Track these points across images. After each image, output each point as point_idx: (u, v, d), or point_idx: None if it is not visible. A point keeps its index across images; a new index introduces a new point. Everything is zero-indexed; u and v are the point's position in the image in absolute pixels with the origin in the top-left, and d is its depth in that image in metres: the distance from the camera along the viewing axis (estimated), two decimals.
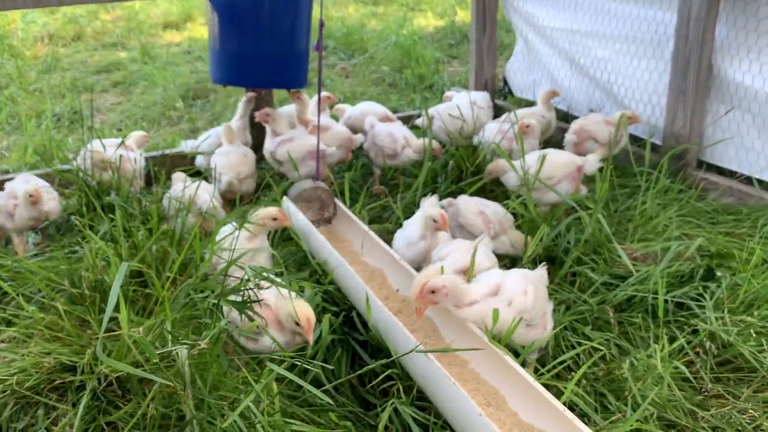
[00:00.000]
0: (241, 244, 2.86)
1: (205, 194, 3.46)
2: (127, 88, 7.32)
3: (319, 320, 2.76)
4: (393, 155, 4.21)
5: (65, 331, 2.49)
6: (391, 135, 4.23)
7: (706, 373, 2.65)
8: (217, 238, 2.83)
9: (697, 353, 2.73)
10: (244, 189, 4.11)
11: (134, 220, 3.41)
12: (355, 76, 7.66)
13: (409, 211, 3.83)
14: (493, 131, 4.27)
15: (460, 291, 2.54)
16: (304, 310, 2.43)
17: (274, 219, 3.05)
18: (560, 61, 5.50)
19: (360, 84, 7.31)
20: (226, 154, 4.11)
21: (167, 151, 4.68)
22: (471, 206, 3.39)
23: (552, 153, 3.73)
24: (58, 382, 2.29)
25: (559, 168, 3.67)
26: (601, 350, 2.59)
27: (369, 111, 4.83)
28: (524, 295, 2.52)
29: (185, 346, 2.09)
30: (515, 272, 2.68)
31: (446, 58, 8.17)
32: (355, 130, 4.55)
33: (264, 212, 3.05)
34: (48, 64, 7.82)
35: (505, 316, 2.48)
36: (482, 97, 5.02)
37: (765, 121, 3.88)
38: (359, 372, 2.52)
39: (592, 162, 3.71)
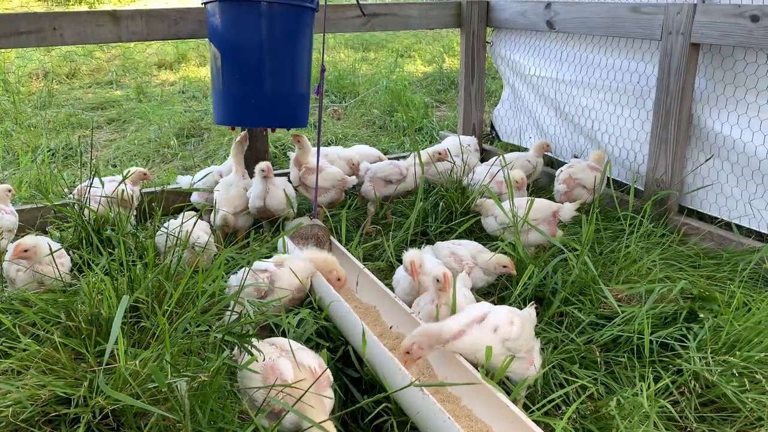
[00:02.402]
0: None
1: (200, 231, 3.52)
2: (121, 126, 7.41)
3: None
4: (400, 178, 4.38)
5: (61, 363, 2.51)
6: (392, 163, 4.47)
7: (690, 413, 2.72)
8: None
9: (682, 393, 2.79)
10: (240, 224, 4.19)
11: (131, 254, 3.45)
12: (346, 119, 7.82)
13: (400, 249, 3.91)
14: (482, 174, 4.40)
15: (433, 334, 2.62)
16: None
17: (339, 279, 3.24)
18: (546, 109, 5.68)
19: (351, 126, 7.47)
20: (227, 188, 4.20)
21: (165, 187, 4.74)
22: (444, 250, 3.52)
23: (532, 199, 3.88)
24: (53, 414, 2.31)
25: (537, 212, 3.82)
26: (589, 388, 2.65)
27: (363, 153, 4.96)
28: (510, 324, 2.60)
29: (185, 378, 2.12)
30: (503, 307, 2.77)
31: (435, 103, 8.38)
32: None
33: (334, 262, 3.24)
34: (43, 100, 7.91)
35: (490, 341, 2.57)
36: (470, 141, 5.17)
37: (743, 169, 4.04)
38: (352, 408, 2.56)
39: (567, 209, 3.88)
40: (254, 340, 2.53)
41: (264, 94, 3.76)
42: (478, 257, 3.46)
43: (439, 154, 4.50)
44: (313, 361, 2.40)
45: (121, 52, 10.35)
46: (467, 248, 3.52)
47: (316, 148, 4.10)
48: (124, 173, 4.20)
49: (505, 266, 3.39)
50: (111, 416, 2.29)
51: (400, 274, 3.34)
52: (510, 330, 2.59)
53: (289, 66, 3.80)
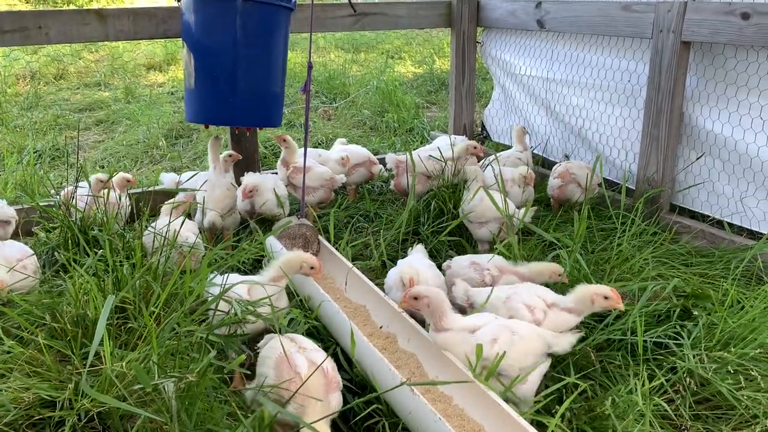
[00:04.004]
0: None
1: (186, 231, 3.46)
2: (109, 127, 7.34)
3: None
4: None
5: (45, 366, 2.46)
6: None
7: (685, 411, 2.69)
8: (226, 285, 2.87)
9: (676, 391, 2.77)
10: (228, 224, 4.14)
11: (117, 255, 3.40)
12: (336, 119, 7.78)
13: (391, 248, 3.88)
14: (477, 171, 4.36)
15: (441, 308, 2.62)
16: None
17: (312, 267, 3.00)
18: (536, 108, 5.67)
19: (342, 126, 7.43)
20: (211, 190, 4.13)
21: (154, 188, 4.69)
22: (462, 262, 3.39)
23: (495, 195, 3.84)
24: (37, 417, 2.26)
25: (490, 210, 3.79)
26: (582, 386, 2.61)
27: (354, 153, 4.93)
28: (492, 343, 2.52)
29: (172, 379, 2.07)
30: (518, 324, 2.64)
31: (425, 104, 8.36)
32: None
33: (304, 256, 3.02)
34: (30, 102, 7.83)
35: (467, 350, 2.54)
36: (461, 141, 5.14)
37: (734, 167, 4.03)
38: (344, 408, 2.52)
39: (529, 214, 3.84)
40: (272, 335, 2.55)
41: (237, 93, 3.70)
42: (513, 267, 3.32)
43: (475, 147, 4.58)
44: (327, 363, 2.37)
45: (110, 53, 10.27)
46: (488, 258, 3.37)
47: (304, 150, 4.05)
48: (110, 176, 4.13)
49: (560, 274, 3.20)
50: (97, 419, 2.24)
51: (392, 281, 3.23)
52: (489, 349, 2.51)
53: (263, 65, 3.74)
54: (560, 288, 3.23)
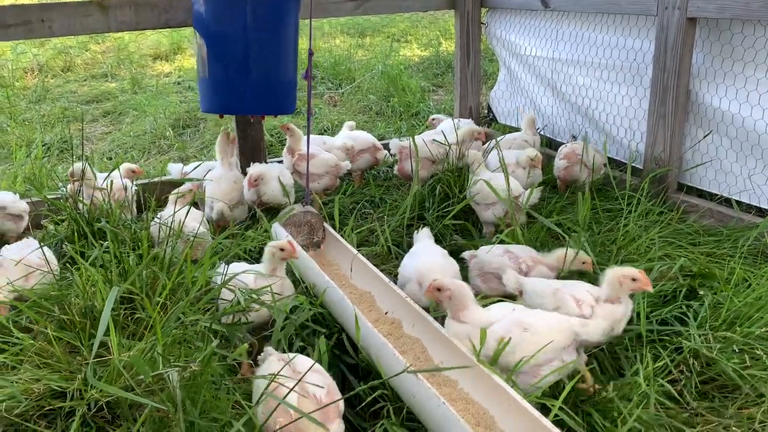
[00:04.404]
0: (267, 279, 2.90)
1: (193, 222, 3.48)
2: (117, 118, 7.37)
3: (311, 343, 2.79)
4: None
5: (55, 357, 2.50)
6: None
7: (690, 391, 2.69)
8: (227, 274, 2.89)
9: (681, 372, 2.77)
10: (235, 215, 4.16)
11: (125, 246, 3.43)
12: (342, 105, 7.76)
13: (396, 234, 3.88)
14: (478, 155, 4.34)
15: (463, 299, 2.63)
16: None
17: (282, 249, 2.95)
18: (542, 89, 5.62)
19: (347, 112, 7.41)
20: (218, 181, 4.15)
21: (157, 179, 4.71)
22: (495, 251, 3.30)
23: (499, 176, 3.83)
24: (47, 408, 2.30)
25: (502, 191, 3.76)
26: (587, 367, 2.62)
27: (359, 139, 4.93)
28: (498, 341, 2.50)
29: (176, 368, 2.10)
30: (536, 318, 2.60)
31: (431, 87, 8.32)
32: None
33: (273, 243, 2.99)
34: (38, 95, 7.87)
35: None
36: (465, 125, 5.12)
37: (742, 144, 3.99)
38: (349, 395, 2.54)
39: (534, 195, 3.80)
40: (271, 350, 2.43)
41: (250, 81, 3.72)
42: (543, 258, 3.27)
43: (479, 133, 4.62)
44: (320, 390, 2.17)
45: (116, 44, 10.28)
46: (521, 249, 3.32)
47: (307, 137, 4.05)
48: (117, 168, 4.15)
49: (583, 262, 3.19)
50: (106, 408, 2.28)
51: (409, 274, 3.14)
52: (492, 346, 2.51)
53: (274, 53, 3.75)
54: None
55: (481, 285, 3.27)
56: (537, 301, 2.83)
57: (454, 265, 3.21)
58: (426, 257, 3.22)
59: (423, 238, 3.45)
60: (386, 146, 5.25)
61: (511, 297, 3.04)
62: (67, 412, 2.30)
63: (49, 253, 3.27)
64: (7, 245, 3.47)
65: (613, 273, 2.75)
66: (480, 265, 3.29)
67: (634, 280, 2.70)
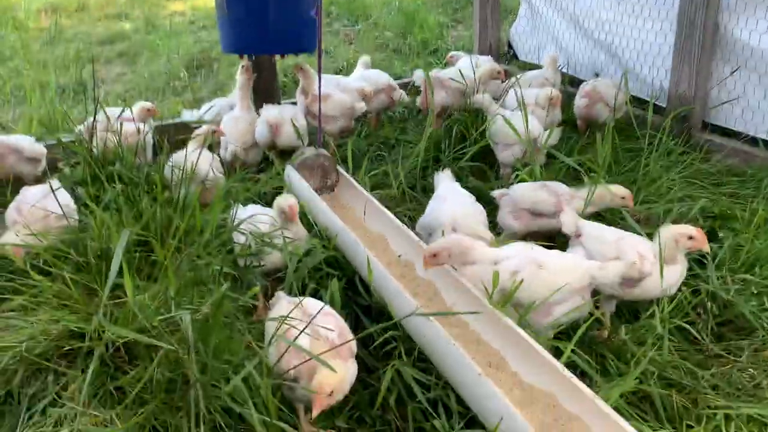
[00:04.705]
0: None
1: (205, 165, 3.46)
2: (131, 59, 7.31)
3: (325, 286, 2.79)
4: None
5: (73, 299, 2.54)
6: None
7: (707, 333, 2.67)
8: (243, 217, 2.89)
9: (698, 314, 2.74)
10: (250, 158, 4.13)
11: (139, 189, 3.43)
12: (358, 42, 7.59)
13: (411, 177, 3.84)
14: (488, 98, 4.22)
15: (463, 247, 2.59)
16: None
17: (283, 212, 2.91)
18: (564, 24, 5.43)
19: (364, 50, 7.25)
20: (234, 122, 4.11)
21: (171, 121, 4.69)
22: (531, 186, 3.23)
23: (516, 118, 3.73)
24: (66, 348, 2.35)
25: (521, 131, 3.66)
26: (596, 313, 2.59)
27: (374, 79, 4.81)
28: (511, 274, 2.49)
29: (188, 311, 2.12)
30: (552, 257, 2.57)
31: (451, 23, 8.08)
32: None
33: (280, 202, 2.93)
34: (52, 36, 7.80)
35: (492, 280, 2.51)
36: (487, 61, 4.98)
37: None
38: (362, 335, 2.56)
39: (554, 135, 3.70)
40: (281, 294, 2.45)
41: (269, 19, 3.63)
42: (578, 192, 3.17)
43: (498, 72, 4.55)
44: (331, 333, 2.18)
45: None
46: (555, 184, 3.23)
47: (318, 77, 3.96)
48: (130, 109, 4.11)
49: (623, 197, 3.09)
50: (123, 349, 2.32)
51: (437, 223, 3.01)
52: (507, 279, 2.48)
53: None
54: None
55: (513, 223, 3.21)
56: (596, 247, 2.71)
57: (483, 211, 3.14)
58: (458, 203, 3.13)
59: (445, 179, 3.38)
60: (403, 86, 5.14)
61: (541, 237, 3.00)
62: (86, 352, 2.34)
63: (68, 198, 3.27)
64: (26, 187, 3.46)
65: (669, 231, 2.62)
66: (513, 201, 3.22)
67: (690, 238, 2.58)
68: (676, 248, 2.60)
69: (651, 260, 2.59)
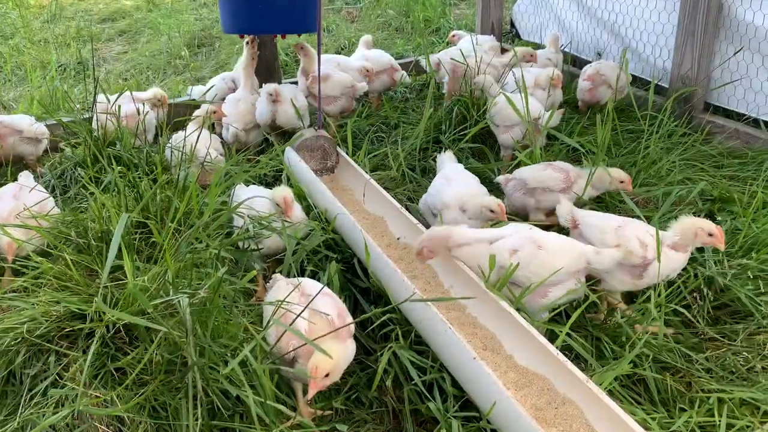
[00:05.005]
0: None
1: (204, 146, 3.46)
2: (132, 37, 7.27)
3: (323, 268, 2.81)
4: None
5: (74, 280, 2.56)
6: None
7: (702, 317, 2.68)
8: (237, 199, 2.89)
9: (695, 298, 2.75)
10: (251, 139, 4.13)
11: (139, 170, 3.44)
12: (360, 21, 7.53)
13: (411, 158, 3.84)
14: (490, 79, 4.19)
15: (441, 238, 2.60)
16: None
17: (278, 205, 2.89)
18: (567, 3, 5.37)
19: (366, 28, 7.20)
20: (236, 103, 4.11)
21: (172, 101, 4.67)
22: (536, 167, 3.22)
23: (517, 99, 3.70)
24: (67, 329, 2.37)
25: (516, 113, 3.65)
26: (592, 296, 2.60)
27: (376, 59, 4.78)
28: (510, 253, 2.50)
29: (186, 295, 2.14)
30: (549, 237, 2.57)
31: (453, 1, 8.00)
32: None
33: (275, 194, 2.92)
34: (52, 14, 7.75)
35: (483, 263, 2.53)
36: (488, 41, 4.94)
37: None
38: (360, 318, 2.58)
39: (555, 117, 3.67)
40: (278, 276, 2.47)
41: None
42: (581, 173, 3.17)
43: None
44: (332, 311, 2.23)
45: None
46: (560, 162, 3.23)
47: (317, 57, 3.94)
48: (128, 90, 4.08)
49: (622, 181, 3.09)
50: (123, 331, 2.35)
51: (448, 200, 3.03)
52: (506, 258, 2.49)
53: None
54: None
55: (530, 200, 3.19)
56: (597, 236, 2.70)
57: (486, 192, 3.13)
58: (464, 182, 3.13)
59: (448, 161, 3.38)
60: (405, 66, 5.12)
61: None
62: (87, 333, 2.37)
63: (44, 193, 3.21)
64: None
65: (691, 222, 2.61)
66: (522, 183, 3.21)
67: (710, 234, 2.57)
68: (692, 240, 2.60)
69: (653, 246, 2.58)
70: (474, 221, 2.94)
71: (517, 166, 3.43)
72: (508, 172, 3.41)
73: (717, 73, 4.12)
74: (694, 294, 2.74)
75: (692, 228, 2.59)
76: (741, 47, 3.94)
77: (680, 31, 4.13)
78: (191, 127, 3.80)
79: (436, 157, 3.80)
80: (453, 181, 3.15)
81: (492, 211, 2.90)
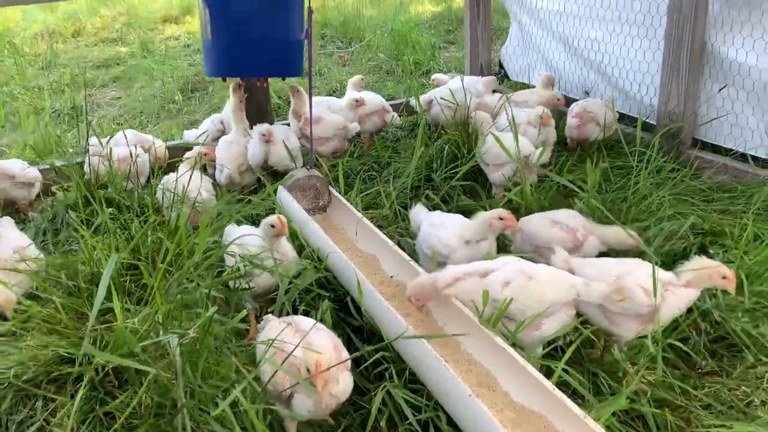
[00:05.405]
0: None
1: (195, 187, 3.46)
2: (126, 83, 7.35)
3: (316, 307, 2.79)
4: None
5: (62, 323, 2.53)
6: None
7: (700, 350, 2.66)
8: (229, 238, 2.87)
9: (692, 331, 2.73)
10: (245, 181, 4.14)
11: (130, 212, 3.44)
12: (352, 64, 7.65)
13: (403, 196, 3.85)
14: (486, 116, 4.25)
15: (427, 286, 2.59)
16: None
17: (272, 226, 2.88)
18: (554, 44, 5.48)
19: (357, 71, 7.30)
20: (228, 146, 4.13)
21: (166, 143, 4.71)
22: (542, 222, 3.12)
23: (507, 137, 3.72)
24: (55, 374, 2.33)
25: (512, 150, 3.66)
26: (585, 331, 2.57)
27: (368, 101, 4.84)
28: (502, 286, 2.48)
29: (176, 335, 2.11)
30: (539, 268, 2.57)
31: (443, 44, 8.16)
32: None
33: (265, 220, 2.91)
34: (48, 61, 7.85)
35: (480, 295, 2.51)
36: (475, 82, 5.02)
37: (759, 98, 3.86)
38: (354, 355, 2.55)
39: (545, 155, 3.70)
40: (270, 317, 2.45)
41: (254, 42, 3.63)
42: (596, 229, 3.06)
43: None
44: (327, 345, 2.20)
45: (126, 8, 10.19)
46: (568, 214, 3.12)
47: (308, 99, 3.99)
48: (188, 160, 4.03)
49: (629, 242, 2.97)
50: (113, 373, 2.31)
51: (453, 245, 2.97)
52: (498, 291, 2.47)
53: (279, 12, 3.66)
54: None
55: (539, 256, 3.04)
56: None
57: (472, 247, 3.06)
58: (451, 220, 3.08)
59: (422, 211, 3.27)
60: (396, 107, 5.18)
61: None
62: (76, 378, 2.33)
63: (24, 237, 3.19)
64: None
65: (707, 264, 2.58)
66: (528, 238, 3.11)
67: (724, 277, 2.55)
68: (706, 281, 2.57)
69: (659, 291, 2.52)
70: (483, 242, 2.93)
71: (509, 202, 3.44)
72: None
73: (703, 109, 4.19)
74: (690, 329, 2.72)
75: (708, 272, 2.56)
76: (725, 84, 4.02)
77: (665, 70, 4.21)
78: (182, 168, 3.82)
79: (427, 195, 3.83)
80: (442, 224, 3.08)
81: (501, 218, 2.88)
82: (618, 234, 3.00)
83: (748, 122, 3.97)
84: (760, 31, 3.77)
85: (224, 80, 4.11)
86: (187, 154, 3.94)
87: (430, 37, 8.01)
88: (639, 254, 2.88)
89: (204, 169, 4.37)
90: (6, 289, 2.75)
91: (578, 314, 2.61)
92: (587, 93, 5.15)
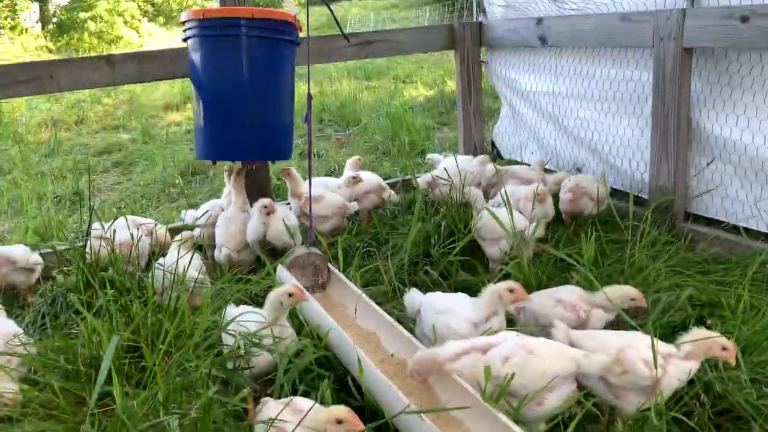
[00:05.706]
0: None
1: (192, 269, 3.48)
2: (127, 168, 7.51)
3: (315, 387, 2.76)
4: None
5: (60, 408, 2.50)
6: None
7: (705, 423, 2.63)
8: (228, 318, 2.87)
9: (695, 404, 2.71)
10: (243, 259, 4.17)
11: (129, 294, 3.45)
12: (349, 146, 7.85)
13: (402, 272, 3.88)
14: (479, 192, 4.33)
15: (426, 361, 2.59)
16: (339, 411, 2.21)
17: (290, 295, 2.87)
18: (545, 123, 5.66)
19: (354, 153, 7.46)
20: (227, 224, 4.18)
21: (167, 226, 4.76)
22: (545, 302, 3.11)
23: (502, 212, 3.81)
24: None
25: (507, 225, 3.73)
26: (587, 404, 2.55)
27: (365, 179, 4.94)
28: (503, 361, 2.47)
29: (176, 416, 2.09)
30: (538, 341, 2.56)
31: (437, 125, 8.41)
32: None
33: (279, 290, 2.89)
34: (51, 148, 8.04)
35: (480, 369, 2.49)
36: (467, 161, 5.16)
37: (746, 171, 3.97)
38: None
39: (540, 229, 3.78)
40: (267, 399, 2.42)
41: (244, 127, 3.75)
42: (593, 297, 3.08)
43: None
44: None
45: (128, 96, 10.54)
46: (570, 291, 3.15)
47: (308, 178, 4.09)
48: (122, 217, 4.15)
49: (633, 299, 3.01)
50: None
51: (463, 331, 2.90)
52: (499, 367, 2.47)
53: (269, 99, 3.80)
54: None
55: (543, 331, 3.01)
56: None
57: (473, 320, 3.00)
58: (455, 301, 3.06)
59: (417, 295, 3.20)
60: (392, 185, 5.28)
61: None
62: None
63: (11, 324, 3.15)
64: None
65: (707, 335, 2.60)
66: (534, 317, 3.11)
67: (724, 349, 2.58)
68: (706, 353, 2.59)
69: (660, 363, 2.52)
70: (494, 319, 2.91)
71: (506, 277, 3.47)
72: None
73: (694, 183, 4.29)
74: (695, 401, 2.69)
75: (708, 344, 2.58)
76: (712, 159, 4.14)
77: (654, 146, 4.35)
78: (172, 248, 3.86)
79: (425, 271, 3.86)
80: (449, 309, 2.99)
81: (511, 290, 2.87)
82: (618, 289, 3.05)
83: (738, 195, 4.06)
84: (742, 109, 3.92)
85: (214, 163, 4.20)
86: (177, 237, 3.99)
87: (424, 119, 8.27)
88: (640, 325, 2.89)
89: (200, 249, 4.41)
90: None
91: (580, 387, 2.59)
92: (579, 169, 5.27)
